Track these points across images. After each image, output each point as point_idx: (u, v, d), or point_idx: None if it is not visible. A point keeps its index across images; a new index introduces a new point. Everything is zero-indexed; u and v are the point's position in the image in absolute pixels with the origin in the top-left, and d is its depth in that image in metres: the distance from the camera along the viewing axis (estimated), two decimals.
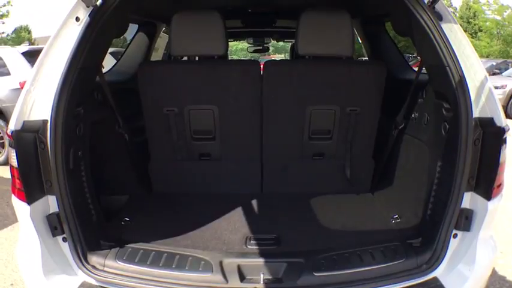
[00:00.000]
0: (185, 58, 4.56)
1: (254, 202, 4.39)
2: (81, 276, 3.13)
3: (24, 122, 3.03)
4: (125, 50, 5.92)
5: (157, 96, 4.22)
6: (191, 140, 4.41)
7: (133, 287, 3.06)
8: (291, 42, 10.10)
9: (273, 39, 9.96)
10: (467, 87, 3.04)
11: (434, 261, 3.13)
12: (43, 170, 3.04)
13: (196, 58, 4.42)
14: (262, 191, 4.61)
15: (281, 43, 13.13)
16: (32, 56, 10.25)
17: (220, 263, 3.19)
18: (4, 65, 10.58)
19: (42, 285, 3.08)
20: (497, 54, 48.50)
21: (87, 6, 3.14)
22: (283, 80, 4.20)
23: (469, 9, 58.26)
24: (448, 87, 3.15)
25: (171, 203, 4.41)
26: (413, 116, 4.14)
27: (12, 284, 4.99)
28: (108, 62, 5.68)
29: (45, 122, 3.02)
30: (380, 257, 3.23)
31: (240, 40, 11.37)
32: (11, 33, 54.50)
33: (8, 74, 10.44)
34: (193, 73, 4.21)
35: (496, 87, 16.89)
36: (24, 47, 11.65)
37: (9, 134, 3.04)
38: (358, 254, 3.27)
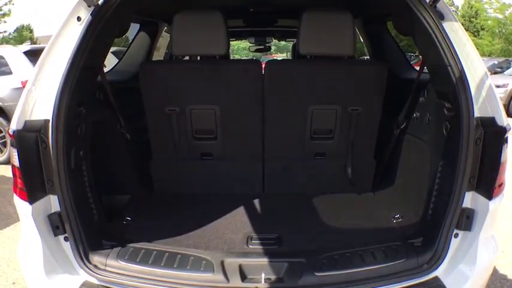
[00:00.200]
0: (187, 58, 4.55)
1: (255, 202, 4.39)
2: (83, 276, 3.14)
3: (25, 121, 3.03)
4: (127, 50, 5.92)
5: (158, 95, 4.22)
6: (193, 140, 4.41)
7: (134, 286, 3.06)
8: (292, 41, 10.09)
9: (274, 39, 9.94)
10: (469, 86, 3.04)
11: (435, 261, 3.13)
12: (45, 170, 3.04)
13: (198, 58, 4.42)
14: (264, 191, 4.60)
15: (283, 42, 13.10)
16: (33, 55, 10.26)
17: (222, 263, 3.19)
18: (6, 64, 10.59)
19: (44, 284, 3.09)
20: (499, 53, 48.54)
21: (89, 6, 3.15)
22: (285, 80, 4.19)
23: (471, 7, 58.28)
24: (450, 87, 3.15)
25: (172, 202, 4.42)
26: (414, 115, 4.14)
27: (14, 283, 5.01)
28: (110, 62, 5.71)
29: (46, 121, 3.02)
30: (381, 256, 3.23)
31: (241, 39, 11.34)
32: (13, 32, 54.54)
33: (10, 73, 10.45)
34: (195, 73, 4.19)
35: (498, 86, 16.87)
36: (26, 46, 11.64)
37: (11, 133, 3.04)
38: (360, 253, 3.27)
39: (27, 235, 3.16)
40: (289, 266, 3.18)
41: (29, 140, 2.99)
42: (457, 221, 3.11)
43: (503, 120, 3.06)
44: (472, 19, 57.30)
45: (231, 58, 10.11)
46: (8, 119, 9.93)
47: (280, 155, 4.50)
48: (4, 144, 10.34)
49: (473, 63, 3.09)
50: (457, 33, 3.14)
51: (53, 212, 3.12)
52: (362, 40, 6.16)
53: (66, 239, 3.14)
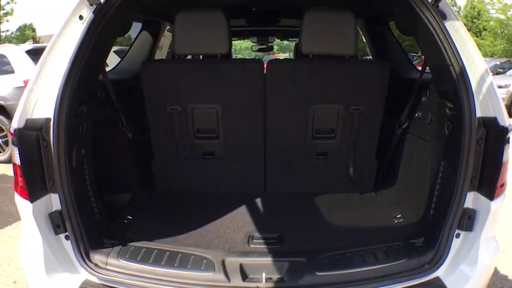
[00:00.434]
0: (189, 57, 4.55)
1: (257, 201, 4.39)
2: (84, 274, 3.13)
3: (27, 120, 3.03)
4: (129, 49, 5.91)
5: (160, 94, 4.22)
6: (194, 139, 4.41)
7: (135, 285, 3.05)
8: (295, 41, 10.06)
9: (277, 38, 9.93)
10: (471, 86, 3.03)
11: (437, 261, 3.11)
12: (46, 168, 3.04)
13: (201, 57, 4.42)
14: (266, 190, 4.60)
15: (285, 42, 13.10)
16: (36, 54, 10.27)
17: (223, 262, 3.18)
18: (8, 63, 10.60)
19: (45, 283, 3.08)
20: (501, 54, 48.49)
21: (91, 5, 3.14)
22: (287, 79, 4.19)
23: (473, 8, 58.25)
24: (451, 87, 3.14)
25: (174, 201, 4.42)
26: (416, 115, 4.13)
27: (15, 282, 5.00)
28: (113, 61, 5.71)
29: (48, 120, 3.02)
30: (382, 256, 3.21)
31: (244, 39, 11.33)
32: (15, 31, 54.50)
33: (12, 72, 10.47)
34: (197, 72, 4.20)
35: (500, 87, 16.86)
36: (28, 45, 11.65)
37: (12, 131, 3.03)
38: (361, 253, 3.25)
39: (28, 234, 3.16)
40: (290, 265, 3.17)
41: (30, 138, 2.99)
42: (459, 221, 3.10)
43: (505, 120, 3.05)
44: (474, 20, 57.30)
45: (234, 57, 10.07)
46: (10, 117, 9.93)
47: (282, 154, 4.50)
48: (6, 143, 10.36)
49: (475, 63, 3.08)
50: (459, 33, 3.13)
51: (54, 210, 3.11)
52: (364, 40, 6.14)
53: (67, 237, 3.13)
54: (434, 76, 3.63)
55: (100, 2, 3.16)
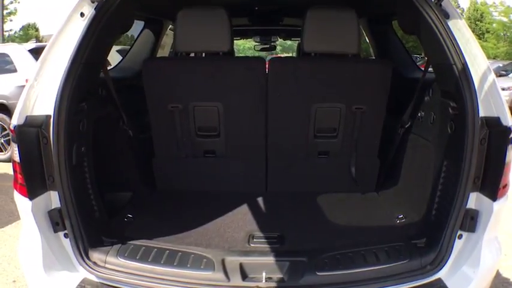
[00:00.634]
0: (192, 55, 4.53)
1: (258, 200, 4.37)
2: (82, 273, 3.11)
3: (27, 116, 3.02)
4: (131, 47, 5.88)
5: (161, 92, 4.21)
6: (195, 137, 4.39)
7: (134, 284, 3.03)
8: (298, 40, 10.04)
9: (280, 38, 9.92)
10: (474, 85, 3.01)
11: (439, 262, 3.09)
12: (45, 165, 3.02)
13: (203, 54, 4.40)
14: (267, 189, 4.58)
15: (289, 42, 13.06)
16: (38, 53, 10.15)
17: (223, 261, 3.16)
18: (11, 62, 10.61)
19: (43, 281, 3.07)
20: (504, 56, 48.46)
21: (92, 2, 3.14)
22: (289, 77, 4.17)
23: (477, 10, 58.21)
24: (454, 86, 3.13)
25: (174, 200, 4.40)
26: (419, 115, 4.12)
27: (14, 281, 4.98)
28: (115, 60, 5.70)
29: (48, 117, 3.01)
30: (384, 257, 3.19)
31: (247, 38, 11.34)
32: (19, 31, 54.57)
33: (15, 71, 10.47)
34: (198, 69, 4.19)
35: (503, 89, 16.82)
36: (31, 44, 11.67)
37: (12, 128, 3.02)
38: (362, 253, 3.23)
39: (26, 231, 3.14)
40: (290, 265, 3.14)
41: (30, 135, 2.98)
42: (461, 222, 3.08)
43: (508, 120, 3.02)
44: (477, 22, 57.24)
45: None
46: (12, 116, 9.92)
47: (283, 153, 4.48)
48: (8, 142, 10.34)
49: (478, 63, 3.06)
50: (461, 32, 3.12)
51: (53, 208, 3.10)
52: (368, 40, 6.12)
53: (66, 235, 3.12)
54: (437, 75, 3.61)
55: None
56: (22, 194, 3.04)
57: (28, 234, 3.12)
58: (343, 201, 4.38)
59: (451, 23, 3.12)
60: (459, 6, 59.32)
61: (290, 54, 35.23)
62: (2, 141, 10.48)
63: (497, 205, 3.04)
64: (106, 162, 4.04)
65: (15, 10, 47.77)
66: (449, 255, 3.10)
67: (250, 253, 3.36)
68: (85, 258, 3.10)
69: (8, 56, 10.65)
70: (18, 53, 10.71)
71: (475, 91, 3.00)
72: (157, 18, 5.86)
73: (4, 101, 10.24)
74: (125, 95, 4.28)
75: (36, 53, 10.42)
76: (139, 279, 3.03)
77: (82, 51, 3.11)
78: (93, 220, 3.41)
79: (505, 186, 3.11)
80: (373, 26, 5.82)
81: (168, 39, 6.66)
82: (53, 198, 3.10)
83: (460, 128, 3.12)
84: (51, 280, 3.07)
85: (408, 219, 3.86)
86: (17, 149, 3.01)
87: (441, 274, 3.10)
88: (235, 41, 6.71)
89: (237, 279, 3.03)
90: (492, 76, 3.06)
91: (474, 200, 3.09)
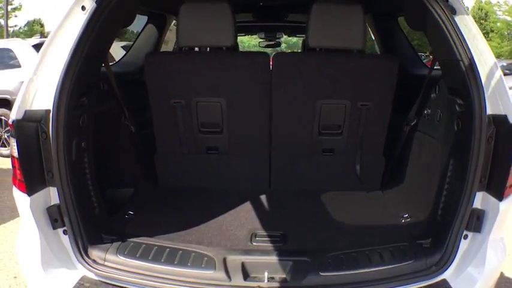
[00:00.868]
0: (196, 49, 4.50)
1: (261, 198, 4.32)
2: (81, 270, 3.07)
3: (26, 111, 2.97)
4: (134, 42, 5.87)
5: (164, 87, 4.18)
6: (198, 133, 4.35)
7: (133, 283, 2.99)
8: (303, 37, 9.99)
9: (285, 34, 9.88)
10: (481, 82, 2.96)
11: (444, 263, 3.05)
12: (45, 161, 2.99)
13: (208, 49, 4.37)
14: (270, 187, 4.54)
15: (294, 39, 13.00)
16: None
17: (224, 260, 3.12)
18: (15, 57, 10.60)
19: (41, 278, 3.03)
20: (508, 55, 48.47)
21: None
22: (293, 73, 4.13)
23: (481, 9, 58.21)
24: (461, 82, 3.08)
25: (176, 197, 4.36)
26: (425, 112, 4.08)
27: (15, 277, 4.98)
28: (120, 56, 5.67)
29: (48, 111, 2.97)
30: (388, 257, 3.15)
31: (252, 35, 11.29)
32: (24, 26, 54.68)
33: (19, 66, 10.45)
34: (201, 64, 4.16)
35: None
36: (35, 40, 11.66)
37: (10, 123, 2.98)
38: (366, 253, 3.19)
39: (25, 228, 3.11)
40: (293, 264, 3.10)
41: (28, 130, 2.94)
42: (467, 222, 3.03)
43: None
44: (481, 21, 57.19)
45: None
46: None
47: (287, 150, 4.43)
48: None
49: (485, 60, 3.02)
50: (468, 27, 3.08)
51: (52, 204, 3.06)
52: (373, 37, 6.08)
53: (65, 232, 3.08)
54: (444, 72, 3.58)
55: None
56: (21, 190, 3.00)
57: (27, 230, 3.08)
58: (347, 199, 4.33)
59: (457, 19, 3.08)
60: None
61: None
62: (6, 136, 10.48)
63: (503, 205, 2.99)
64: (107, 158, 4.01)
65: (20, 6, 47.89)
66: (455, 256, 3.06)
67: (252, 252, 3.30)
68: (84, 255, 3.06)
69: (12, 51, 10.67)
70: (22, 48, 10.71)
71: (483, 88, 2.96)
72: (161, 13, 5.83)
73: (8, 96, 10.24)
74: (127, 90, 4.25)
75: (40, 48, 10.39)
76: (139, 278, 2.99)
77: (83, 44, 3.07)
78: (93, 217, 3.37)
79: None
80: (378, 22, 5.78)
81: (172, 34, 6.62)
82: (52, 195, 3.06)
83: (467, 125, 3.08)
84: (50, 277, 3.03)
85: (413, 219, 3.81)
86: (15, 144, 2.97)
87: (446, 275, 3.06)
88: (239, 38, 6.65)
89: (238, 279, 2.99)
90: (499, 73, 3.01)
91: (480, 199, 3.05)
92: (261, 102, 4.21)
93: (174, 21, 6.10)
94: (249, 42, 28.81)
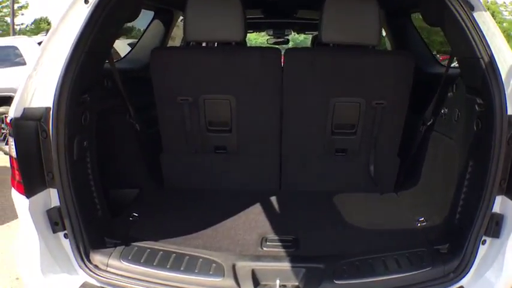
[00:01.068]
0: (204, 44, 4.41)
1: (271, 200, 4.22)
2: (83, 276, 2.99)
3: (24, 109, 2.88)
4: (140, 38, 5.78)
5: (170, 84, 4.08)
6: (206, 132, 4.24)
7: None
8: (312, 34, 9.98)
9: (293, 31, 9.86)
10: (502, 80, 2.87)
11: (462, 270, 2.96)
12: (44, 161, 2.91)
13: (216, 44, 4.28)
14: (280, 188, 4.44)
15: (300, 38, 12.97)
16: None
17: (233, 267, 3.02)
18: (20, 55, 10.62)
19: (40, 284, 2.96)
20: None
21: None
22: (306, 69, 4.01)
23: (488, 9, 58.26)
24: (481, 81, 2.99)
25: (183, 198, 4.26)
26: (442, 111, 3.98)
27: (17, 278, 4.92)
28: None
29: (48, 109, 2.88)
30: (406, 264, 3.05)
31: (260, 32, 11.25)
32: (30, 24, 54.91)
33: (24, 64, 10.45)
34: (209, 60, 4.05)
35: None
36: (41, 37, 11.63)
37: (8, 121, 2.89)
38: (383, 260, 3.09)
39: (24, 231, 3.02)
40: (306, 272, 3.00)
41: (27, 128, 2.86)
42: (486, 227, 2.93)
43: None
44: None
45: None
46: None
47: (298, 150, 4.33)
48: None
49: (504, 58, 2.93)
50: (487, 25, 2.99)
51: (52, 207, 2.98)
52: (385, 33, 6.00)
53: (65, 236, 3.00)
54: (463, 70, 3.50)
55: None
56: (19, 192, 2.93)
57: (25, 234, 2.99)
58: (360, 202, 4.23)
59: (476, 15, 2.99)
60: None
61: None
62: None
63: None
64: (111, 157, 3.94)
65: (27, 4, 48.12)
66: (473, 263, 2.96)
67: (262, 258, 3.18)
68: (86, 260, 2.99)
69: (17, 48, 10.72)
70: (27, 45, 10.79)
71: (504, 87, 2.86)
72: (168, 8, 5.74)
73: (12, 94, 10.14)
74: (132, 87, 4.17)
75: None
76: (143, 285, 2.91)
77: (85, 39, 2.97)
78: (95, 219, 3.28)
79: None
80: (391, 19, 5.67)
81: (179, 31, 6.54)
82: (52, 196, 2.98)
83: (487, 126, 2.99)
84: (50, 283, 2.97)
85: (429, 223, 3.69)
86: (13, 143, 2.88)
87: (463, 282, 2.97)
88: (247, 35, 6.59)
89: (248, 287, 2.90)
90: None
91: (499, 203, 2.96)
92: (271, 100, 4.11)
93: (181, 18, 6.02)
94: (256, 40, 28.78)
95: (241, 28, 3.86)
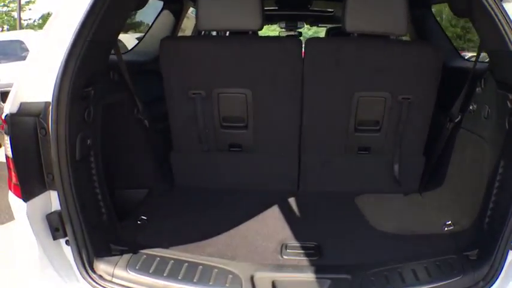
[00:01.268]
0: (214, 33, 4.22)
1: (290, 202, 4.03)
2: (85, 287, 2.80)
3: (21, 103, 2.68)
4: (148, 29, 5.64)
5: (181, 77, 3.91)
6: (220, 129, 4.09)
7: None
8: (325, 27, 9.97)
9: (306, 24, 9.85)
10: None
11: (491, 277, 2.78)
12: (44, 161, 2.71)
13: (228, 33, 4.10)
14: (299, 188, 4.26)
15: (311, 31, 12.92)
16: None
17: (251, 278, 2.82)
18: (26, 49, 10.68)
19: None
20: None
21: None
22: (328, 61, 3.82)
23: None
24: None
25: (195, 200, 4.08)
26: (470, 108, 3.78)
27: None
28: None
29: (47, 104, 2.67)
30: (436, 273, 2.89)
31: (272, 24, 11.21)
32: (38, 19, 55.39)
33: None
34: (224, 51, 3.87)
35: None
36: None
37: (3, 118, 2.70)
38: (412, 269, 2.92)
39: (21, 238, 2.81)
40: (331, 284, 2.81)
41: (25, 125, 2.67)
42: None
43: None
44: None
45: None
46: None
47: (319, 148, 4.15)
48: None
49: None
50: None
51: (52, 211, 2.78)
52: None
53: (67, 242, 2.82)
54: (493, 64, 3.35)
55: None
56: (16, 195, 2.73)
57: (23, 241, 2.80)
58: (383, 203, 4.05)
59: (506, 6, 2.79)
60: None
61: None
62: None
63: None
64: (117, 156, 3.77)
65: None
66: (501, 269, 2.78)
67: (283, 268, 3.00)
68: (89, 270, 2.80)
69: (23, 43, 10.66)
70: (33, 39, 10.67)
71: None
72: None
73: None
74: (140, 81, 4.02)
75: None
76: None
77: (89, 26, 2.76)
78: (100, 224, 3.08)
79: None
80: (412, 9, 5.43)
81: (189, 22, 6.40)
82: (52, 200, 2.79)
83: None
84: None
85: (457, 227, 3.50)
86: (9, 142, 2.69)
87: None
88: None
89: None
90: None
91: None
92: (291, 94, 3.92)
93: (191, 8, 5.88)
94: (266, 33, 28.81)
95: (259, 16, 3.66)
